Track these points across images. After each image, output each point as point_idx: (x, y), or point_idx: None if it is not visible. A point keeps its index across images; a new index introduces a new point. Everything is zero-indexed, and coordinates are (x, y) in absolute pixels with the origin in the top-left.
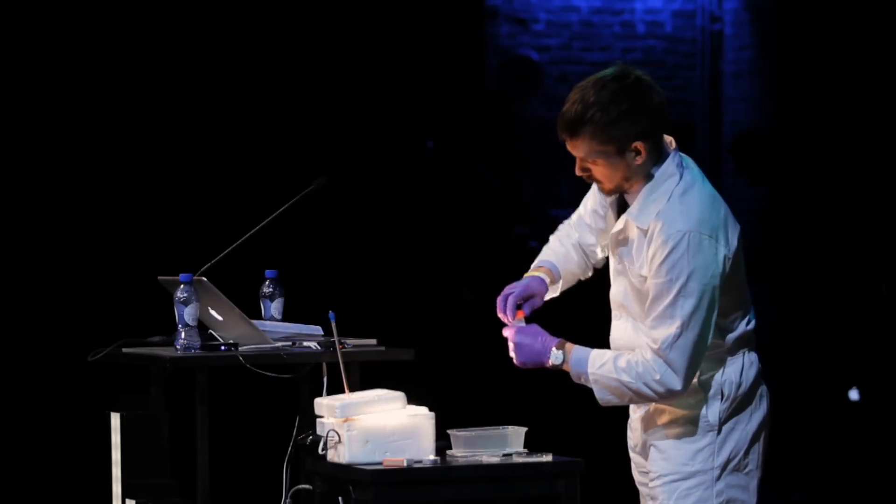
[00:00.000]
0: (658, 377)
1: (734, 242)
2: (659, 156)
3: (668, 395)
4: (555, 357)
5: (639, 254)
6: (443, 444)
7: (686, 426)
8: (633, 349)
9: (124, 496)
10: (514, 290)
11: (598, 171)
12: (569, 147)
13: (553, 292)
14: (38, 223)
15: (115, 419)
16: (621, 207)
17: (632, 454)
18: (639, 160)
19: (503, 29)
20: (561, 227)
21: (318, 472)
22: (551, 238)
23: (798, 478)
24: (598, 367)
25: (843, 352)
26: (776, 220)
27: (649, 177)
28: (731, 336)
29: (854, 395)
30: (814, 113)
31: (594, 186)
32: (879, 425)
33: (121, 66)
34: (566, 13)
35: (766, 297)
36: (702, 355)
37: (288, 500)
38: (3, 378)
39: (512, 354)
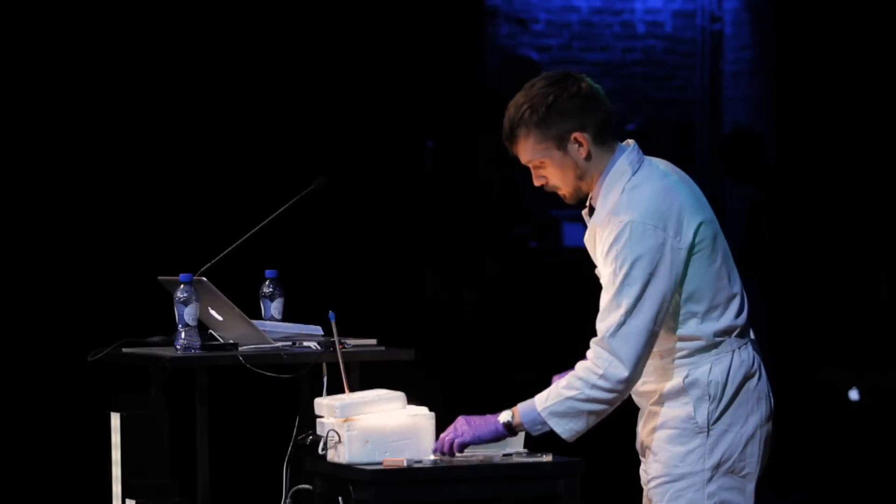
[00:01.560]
0: (601, 372)
1: (689, 235)
2: (611, 153)
3: (619, 388)
4: (504, 416)
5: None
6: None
7: (676, 428)
8: None
9: (124, 496)
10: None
11: (550, 173)
12: (517, 156)
13: None
14: (39, 223)
15: (115, 419)
16: None
17: (641, 457)
18: (582, 152)
19: (503, 29)
20: None
21: (318, 472)
22: None
23: (798, 478)
24: (544, 401)
25: (842, 352)
26: (777, 221)
27: (603, 178)
28: (712, 329)
29: (854, 395)
30: (814, 113)
31: None
32: (879, 425)
33: (121, 66)
34: (566, 13)
35: (767, 297)
36: (650, 344)
37: (288, 500)
38: (3, 378)
39: (450, 441)
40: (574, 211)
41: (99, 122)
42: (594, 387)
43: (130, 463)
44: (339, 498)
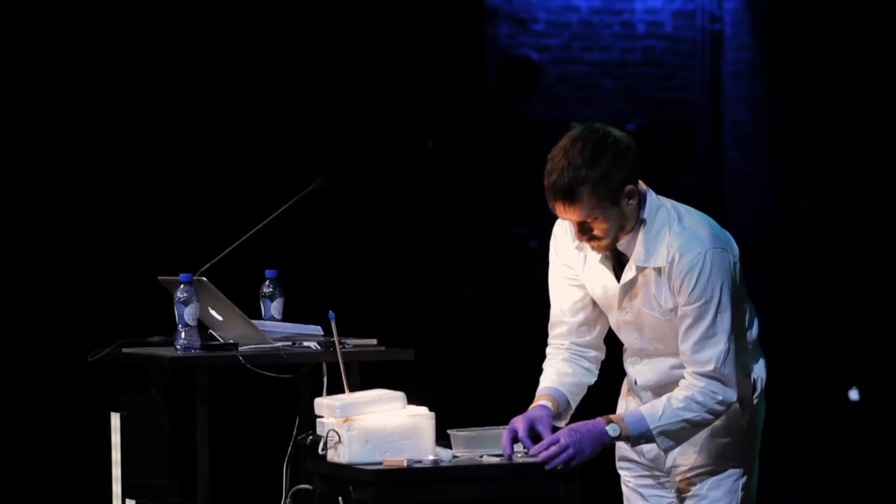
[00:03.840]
0: (720, 398)
1: (736, 248)
2: (640, 198)
3: (726, 411)
4: (612, 431)
5: (660, 292)
6: (442, 443)
7: (720, 422)
8: (664, 387)
9: (124, 496)
10: (517, 423)
11: (599, 226)
12: (565, 213)
13: (565, 415)
14: (39, 223)
15: (115, 419)
16: (613, 259)
17: (626, 464)
18: (632, 203)
19: (503, 29)
20: (548, 353)
21: (318, 472)
22: (544, 367)
23: (798, 478)
24: (658, 420)
25: (843, 352)
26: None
27: (640, 221)
28: (751, 337)
29: (854, 395)
30: (814, 113)
31: (552, 285)
32: (879, 425)
33: (121, 66)
34: (566, 13)
35: (767, 297)
36: (738, 361)
37: (288, 500)
38: (3, 378)
39: (569, 457)
40: None
41: (99, 122)
42: (711, 411)
43: (130, 463)
44: (339, 498)
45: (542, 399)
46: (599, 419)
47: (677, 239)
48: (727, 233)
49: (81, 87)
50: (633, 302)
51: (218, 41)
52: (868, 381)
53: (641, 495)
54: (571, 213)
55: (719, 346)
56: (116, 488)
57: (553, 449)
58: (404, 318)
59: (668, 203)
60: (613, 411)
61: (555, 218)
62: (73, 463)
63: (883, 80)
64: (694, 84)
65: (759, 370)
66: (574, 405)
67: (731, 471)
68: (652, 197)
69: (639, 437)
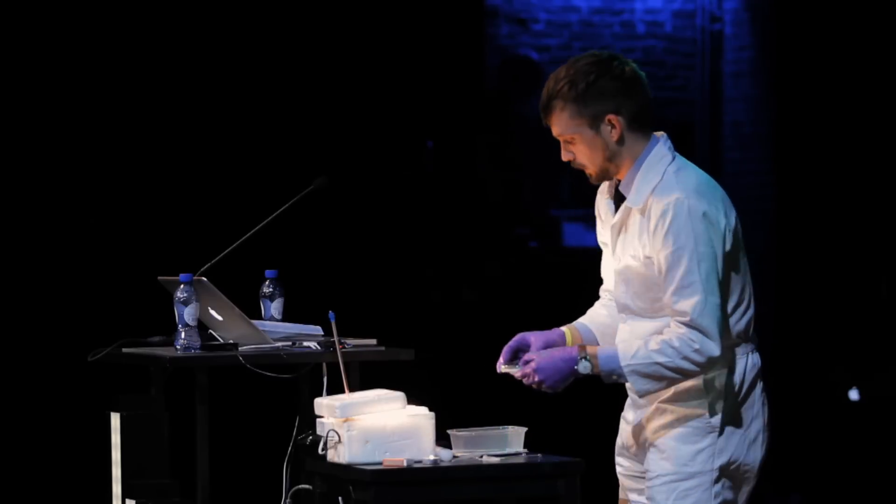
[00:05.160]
0: (697, 346)
1: (732, 221)
2: (646, 141)
3: (707, 364)
4: (583, 367)
5: (640, 236)
6: (442, 443)
7: (688, 426)
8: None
9: (124, 496)
10: (518, 337)
11: (579, 150)
12: (551, 129)
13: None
14: (39, 223)
15: (115, 419)
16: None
17: (619, 458)
18: (614, 135)
19: (503, 29)
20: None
21: (318, 472)
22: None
23: (798, 478)
24: (630, 357)
25: (843, 352)
26: (780, 221)
27: (640, 162)
28: (735, 329)
29: (854, 395)
30: (814, 113)
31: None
32: (879, 425)
33: (121, 66)
34: (566, 13)
35: (768, 297)
36: (726, 319)
37: (288, 500)
38: (4, 378)
39: (535, 383)
40: (574, 211)
41: (99, 122)
42: (686, 359)
43: (130, 463)
44: (339, 498)
45: (563, 327)
46: (575, 349)
47: (663, 184)
48: (731, 208)
49: (81, 87)
50: (624, 248)
51: (218, 41)
52: (868, 381)
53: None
54: (548, 124)
55: (696, 296)
56: (116, 488)
57: (526, 369)
58: (404, 318)
59: (678, 156)
60: (624, 392)
61: (554, 217)
62: (73, 463)
63: (883, 80)
64: (694, 84)
65: (735, 375)
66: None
67: (698, 480)
68: (662, 145)
69: (609, 373)
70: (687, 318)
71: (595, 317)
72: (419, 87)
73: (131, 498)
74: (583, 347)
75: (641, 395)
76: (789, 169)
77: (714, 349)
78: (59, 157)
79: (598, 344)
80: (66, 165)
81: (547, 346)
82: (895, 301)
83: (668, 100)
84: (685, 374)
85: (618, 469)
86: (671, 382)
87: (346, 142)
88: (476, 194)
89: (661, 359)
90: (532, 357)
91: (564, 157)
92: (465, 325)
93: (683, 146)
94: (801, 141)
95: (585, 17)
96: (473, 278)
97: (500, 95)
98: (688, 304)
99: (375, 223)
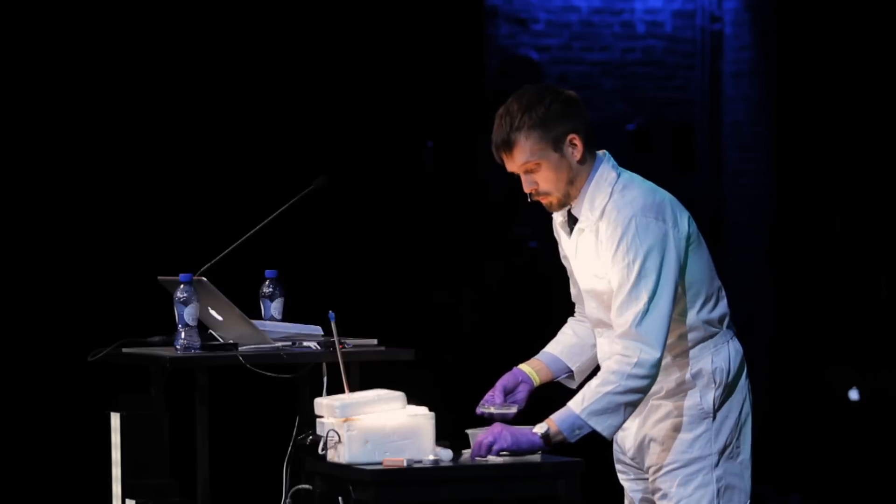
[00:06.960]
0: (635, 360)
1: (684, 225)
2: (594, 160)
3: (652, 373)
4: (539, 428)
5: (598, 254)
6: (442, 443)
7: (683, 416)
8: None
9: (124, 496)
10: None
11: (543, 176)
12: (509, 165)
13: (577, 374)
14: (38, 223)
15: (115, 419)
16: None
17: (619, 466)
18: (577, 154)
19: (503, 29)
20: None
21: (318, 472)
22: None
23: (798, 478)
24: (581, 403)
25: (843, 352)
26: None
27: (589, 182)
28: (710, 319)
29: (854, 395)
30: (813, 113)
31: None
32: (879, 425)
33: (121, 65)
34: (566, 13)
35: (767, 297)
36: (668, 331)
37: (288, 500)
38: (4, 378)
39: (498, 445)
40: None
41: (99, 121)
42: (630, 376)
43: (130, 463)
44: (339, 498)
45: (528, 364)
46: (537, 436)
47: (611, 203)
48: (675, 208)
49: (81, 87)
50: (585, 269)
51: (218, 41)
52: (868, 380)
53: (633, 499)
54: (512, 162)
55: (639, 306)
56: (116, 488)
57: (480, 437)
58: (404, 319)
59: (623, 172)
60: None
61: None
62: (73, 463)
63: (883, 81)
64: (694, 84)
65: (720, 361)
66: (575, 364)
67: (698, 465)
68: (606, 163)
69: (571, 427)
70: (624, 329)
71: (563, 339)
72: (419, 88)
73: (131, 498)
74: (540, 428)
75: (609, 436)
76: (789, 169)
77: (653, 355)
78: (59, 158)
79: (569, 368)
80: (66, 166)
81: (508, 390)
82: (895, 301)
83: (668, 100)
84: (640, 392)
85: (620, 477)
86: (632, 408)
87: (346, 142)
88: (476, 194)
89: (607, 388)
90: (497, 431)
91: (527, 188)
92: (465, 325)
93: (683, 146)
94: (801, 141)
95: (585, 17)
96: (473, 278)
97: (501, 96)
98: (628, 314)
99: (375, 223)
